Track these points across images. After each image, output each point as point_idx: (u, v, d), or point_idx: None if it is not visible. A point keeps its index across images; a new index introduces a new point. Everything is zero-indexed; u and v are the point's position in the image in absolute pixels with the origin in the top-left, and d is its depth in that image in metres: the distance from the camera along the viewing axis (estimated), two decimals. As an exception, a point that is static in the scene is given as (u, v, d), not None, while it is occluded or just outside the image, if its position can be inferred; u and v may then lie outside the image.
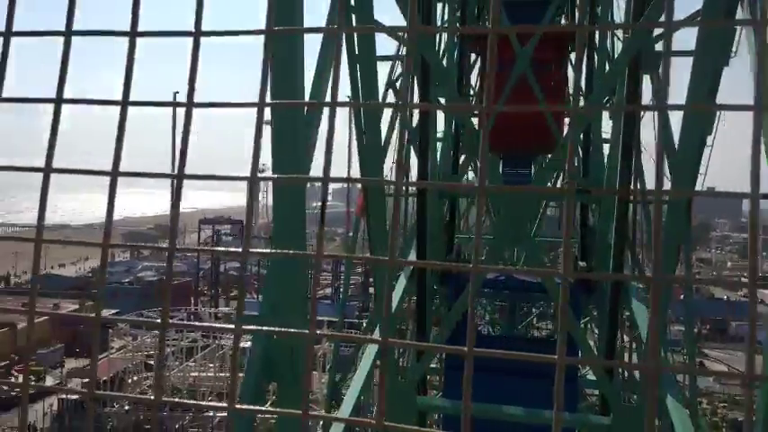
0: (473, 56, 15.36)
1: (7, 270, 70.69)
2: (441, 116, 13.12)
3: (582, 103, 15.36)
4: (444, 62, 12.76)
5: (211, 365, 43.92)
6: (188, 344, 45.08)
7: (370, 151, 8.84)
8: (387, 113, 10.39)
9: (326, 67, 6.79)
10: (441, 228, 12.98)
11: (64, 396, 38.97)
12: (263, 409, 1.29)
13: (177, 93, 60.15)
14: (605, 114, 12.93)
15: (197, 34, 0.90)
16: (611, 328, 9.41)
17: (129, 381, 43.20)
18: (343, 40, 0.93)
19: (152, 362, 44.67)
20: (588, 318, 15.41)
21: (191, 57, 0.90)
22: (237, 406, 0.90)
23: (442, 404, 10.52)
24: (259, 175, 0.95)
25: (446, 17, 13.59)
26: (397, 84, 14.24)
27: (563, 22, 16.33)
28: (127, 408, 38.24)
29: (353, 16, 7.84)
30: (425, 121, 10.70)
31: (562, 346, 0.81)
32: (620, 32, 13.27)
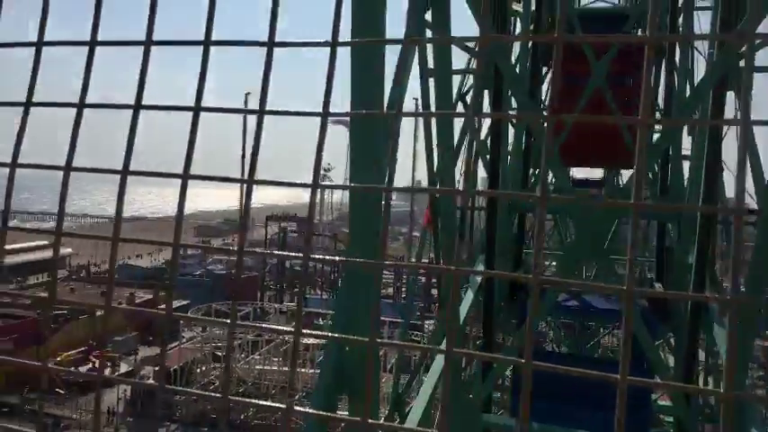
0: (545, 69, 15.30)
1: (87, 259, 74.14)
2: (512, 130, 12.93)
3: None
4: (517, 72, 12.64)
5: (276, 359, 44.99)
6: (253, 338, 45.79)
7: (442, 163, 8.90)
8: (457, 126, 10.38)
9: (404, 78, 6.94)
10: (509, 242, 12.69)
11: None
12: (322, 414, 1.30)
13: (249, 93, 61.90)
14: (684, 130, 12.45)
15: (270, 44, 0.94)
16: (689, 350, 9.06)
17: (198, 370, 44.77)
18: (416, 53, 0.94)
19: (219, 353, 45.97)
20: (662, 340, 14.80)
21: (264, 65, 0.94)
22: (297, 408, 0.92)
23: (508, 423, 10.37)
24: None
25: (518, 31, 13.60)
26: (467, 96, 14.17)
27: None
28: (194, 397, 39.51)
29: (429, 31, 7.94)
30: (496, 133, 10.64)
31: (624, 366, 0.79)
32: (701, 47, 12.89)
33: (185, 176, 0.97)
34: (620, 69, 11.76)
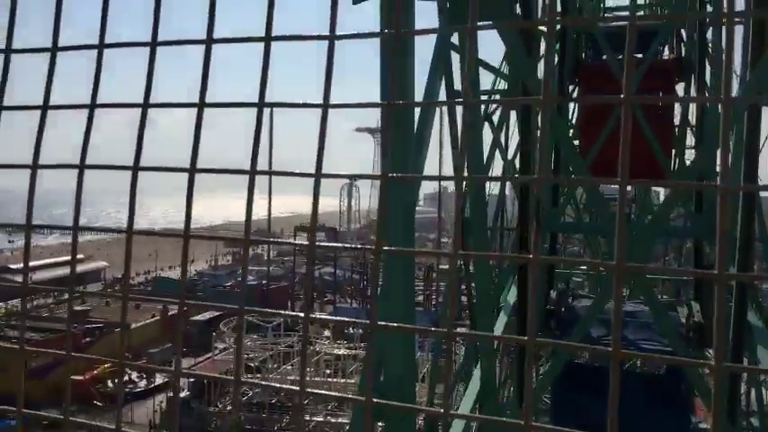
0: (571, 87, 15.27)
1: (122, 272, 74.60)
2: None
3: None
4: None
5: (308, 370, 45.80)
6: (285, 348, 46.13)
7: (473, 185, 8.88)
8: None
9: (433, 95, 7.15)
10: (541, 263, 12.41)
11: (171, 394, 41.49)
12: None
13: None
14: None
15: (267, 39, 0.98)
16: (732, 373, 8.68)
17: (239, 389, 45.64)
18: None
19: (252, 364, 46.19)
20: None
21: (262, 61, 0.99)
22: (309, 389, 0.83)
23: None
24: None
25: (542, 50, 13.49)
26: (494, 116, 14.04)
27: (666, 53, 15.84)
28: (229, 408, 40.12)
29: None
30: (525, 152, 10.37)
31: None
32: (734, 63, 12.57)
33: (192, 170, 1.01)
34: (650, 86, 11.56)
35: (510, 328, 10.80)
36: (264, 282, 66.31)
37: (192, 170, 0.99)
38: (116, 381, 43.76)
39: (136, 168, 1.02)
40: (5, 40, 1.13)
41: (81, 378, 41.99)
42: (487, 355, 9.53)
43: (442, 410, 0.92)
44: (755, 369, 8.02)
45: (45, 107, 1.11)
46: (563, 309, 11.83)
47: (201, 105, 0.99)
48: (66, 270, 72.80)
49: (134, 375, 46.79)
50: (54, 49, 1.10)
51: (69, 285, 1.17)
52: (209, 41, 0.98)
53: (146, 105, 1.03)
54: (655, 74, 11.77)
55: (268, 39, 0.95)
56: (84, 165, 1.08)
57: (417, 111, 6.30)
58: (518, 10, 9.03)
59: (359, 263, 68.58)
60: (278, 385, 1.24)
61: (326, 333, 52.80)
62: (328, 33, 0.93)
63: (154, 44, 1.03)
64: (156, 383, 44.84)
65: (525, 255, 1.00)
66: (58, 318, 51.90)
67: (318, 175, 0.95)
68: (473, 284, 10.65)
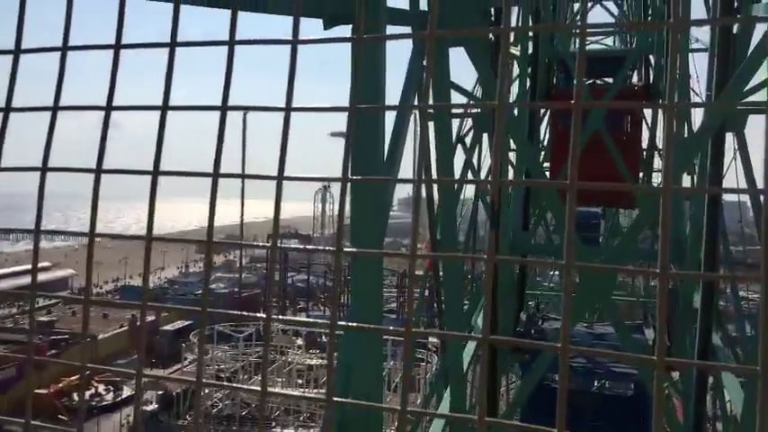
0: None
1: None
2: (512, 172, 12.88)
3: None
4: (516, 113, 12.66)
5: (279, 380, 44.32)
6: (256, 359, 45.51)
7: (445, 207, 9.22)
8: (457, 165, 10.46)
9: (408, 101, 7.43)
10: (512, 285, 12.38)
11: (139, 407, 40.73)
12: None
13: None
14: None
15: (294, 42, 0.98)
16: (698, 394, 9.02)
17: (202, 394, 44.83)
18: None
19: (223, 375, 45.57)
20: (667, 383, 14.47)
21: (226, 65, 1.00)
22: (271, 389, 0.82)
23: None
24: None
25: (516, 72, 13.74)
26: (466, 139, 14.28)
27: (635, 78, 16.57)
28: (200, 421, 39.20)
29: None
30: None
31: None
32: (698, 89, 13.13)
33: (155, 173, 1.01)
34: (619, 111, 11.99)
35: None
36: (236, 289, 65.43)
37: (156, 173, 0.99)
38: (86, 394, 42.68)
39: (99, 171, 1.01)
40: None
41: (45, 391, 40.94)
42: (457, 380, 9.53)
43: (399, 408, 0.91)
44: (696, 363, 8.20)
45: (8, 109, 1.11)
46: (533, 331, 12.10)
47: (165, 108, 0.99)
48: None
49: (101, 388, 45.80)
50: (17, 51, 1.10)
51: (31, 290, 1.12)
52: (172, 44, 0.99)
53: (109, 108, 1.03)
54: (624, 99, 12.23)
55: (231, 42, 0.96)
56: (46, 167, 1.07)
57: (393, 117, 6.40)
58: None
59: (332, 270, 69.82)
60: (239, 386, 1.24)
61: (299, 342, 52.22)
62: (291, 38, 0.94)
63: (117, 47, 1.03)
64: (122, 396, 43.98)
65: (483, 257, 0.97)
66: (21, 329, 50.41)
67: (281, 178, 0.95)
68: (443, 292, 10.64)
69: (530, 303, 15.16)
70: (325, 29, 6.75)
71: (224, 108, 0.97)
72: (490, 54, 9.88)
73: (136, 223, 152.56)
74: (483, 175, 13.99)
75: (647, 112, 14.83)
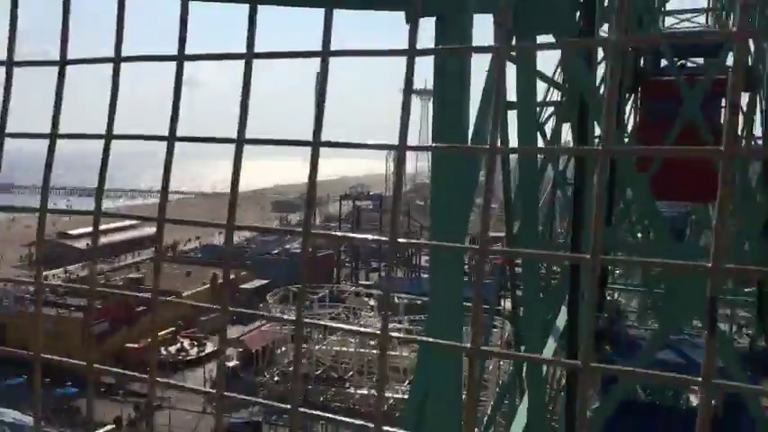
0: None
1: (174, 238, 74.17)
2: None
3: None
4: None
5: (352, 341, 45.33)
6: (330, 320, 46.71)
7: (525, 198, 8.79)
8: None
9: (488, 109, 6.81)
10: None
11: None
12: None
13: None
14: None
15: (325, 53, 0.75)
16: None
17: (278, 351, 46.29)
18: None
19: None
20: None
21: (174, 81, 0.96)
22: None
23: None
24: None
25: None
26: (546, 126, 13.53)
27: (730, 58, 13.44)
28: (276, 379, 42.90)
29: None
30: (581, 167, 9.50)
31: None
32: None
33: (171, 139, 0.95)
34: (714, 99, 11.24)
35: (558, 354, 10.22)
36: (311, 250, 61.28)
37: (172, 138, 0.93)
38: (172, 348, 46.15)
39: (109, 137, 0.99)
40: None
41: (136, 345, 43.91)
42: (535, 385, 8.97)
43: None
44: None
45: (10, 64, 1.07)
46: (615, 332, 11.19)
47: (181, 58, 0.93)
48: (123, 235, 73.14)
49: (186, 343, 48.30)
50: (63, 63, 1.05)
51: (155, 255, 1.14)
52: (180, 58, 0.94)
53: (118, 60, 0.98)
54: (721, 85, 11.43)
55: (249, 56, 0.90)
56: (56, 134, 1.04)
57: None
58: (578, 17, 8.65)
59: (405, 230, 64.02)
60: (360, 329, 1.13)
61: (372, 303, 52.07)
62: (321, 49, 0.86)
63: (180, 59, 0.95)
64: (206, 351, 46.51)
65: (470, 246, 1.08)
66: (112, 285, 48.77)
67: (317, 144, 0.86)
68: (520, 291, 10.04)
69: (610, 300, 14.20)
70: (407, 22, 5.91)
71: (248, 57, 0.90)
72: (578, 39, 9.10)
73: (222, 181, 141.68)
74: (561, 165, 13.39)
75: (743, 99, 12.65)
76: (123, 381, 36.53)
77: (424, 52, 0.83)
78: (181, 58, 0.92)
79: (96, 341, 41.66)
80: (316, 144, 0.87)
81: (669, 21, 19.33)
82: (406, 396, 38.11)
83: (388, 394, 38.17)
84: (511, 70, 8.22)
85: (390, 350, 42.16)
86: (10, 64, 1.02)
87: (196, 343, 48.71)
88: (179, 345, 48.46)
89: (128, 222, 72.34)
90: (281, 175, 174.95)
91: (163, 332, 45.17)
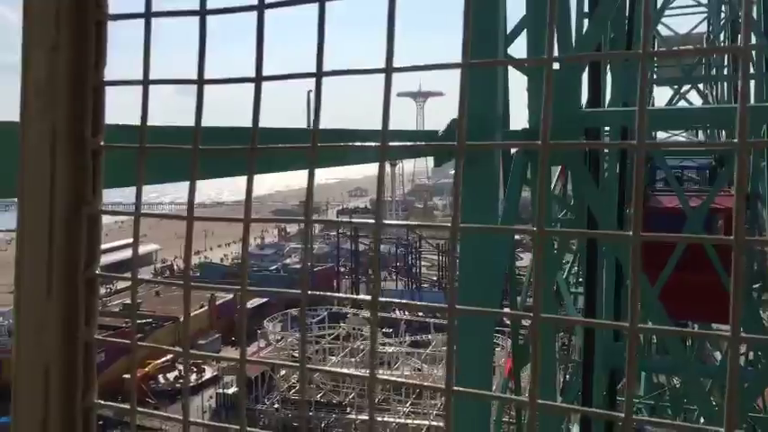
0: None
1: (175, 254, 72.23)
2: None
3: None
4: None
5: (353, 359, 45.06)
6: (329, 342, 46.96)
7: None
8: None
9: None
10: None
11: (220, 391, 43.72)
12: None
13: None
14: None
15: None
16: None
17: (277, 376, 44.91)
18: None
19: (296, 355, 52.39)
20: None
21: (196, 103, 1.02)
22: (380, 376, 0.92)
23: None
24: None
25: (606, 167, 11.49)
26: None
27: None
28: (276, 406, 42.13)
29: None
30: (592, 255, 9.47)
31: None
32: None
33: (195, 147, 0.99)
34: (716, 216, 11.24)
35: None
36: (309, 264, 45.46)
37: (254, 149, 0.95)
38: (170, 375, 45.10)
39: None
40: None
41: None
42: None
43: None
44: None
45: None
46: None
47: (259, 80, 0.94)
48: (123, 254, 56.13)
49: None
50: (146, 83, 1.40)
51: (132, 276, 1.08)
52: (200, 82, 0.97)
53: (147, 82, 1.01)
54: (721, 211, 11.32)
55: (259, 79, 0.94)
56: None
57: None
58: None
59: (402, 242, 66.86)
60: (347, 371, 1.53)
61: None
62: (315, 71, 0.91)
63: (201, 84, 0.98)
64: (204, 378, 45.73)
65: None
66: (109, 312, 49.09)
67: (314, 147, 0.91)
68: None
69: None
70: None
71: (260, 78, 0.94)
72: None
73: (229, 190, 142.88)
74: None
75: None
76: (121, 413, 34.60)
77: (401, 69, 0.88)
78: (201, 81, 1.00)
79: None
80: (314, 147, 0.93)
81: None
82: (407, 420, 38.81)
83: (389, 418, 38.25)
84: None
85: (393, 368, 41.97)
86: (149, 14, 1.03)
87: (195, 369, 48.00)
88: (177, 372, 47.67)
89: (123, 241, 61.14)
90: (280, 181, 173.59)
91: (160, 360, 44.90)
